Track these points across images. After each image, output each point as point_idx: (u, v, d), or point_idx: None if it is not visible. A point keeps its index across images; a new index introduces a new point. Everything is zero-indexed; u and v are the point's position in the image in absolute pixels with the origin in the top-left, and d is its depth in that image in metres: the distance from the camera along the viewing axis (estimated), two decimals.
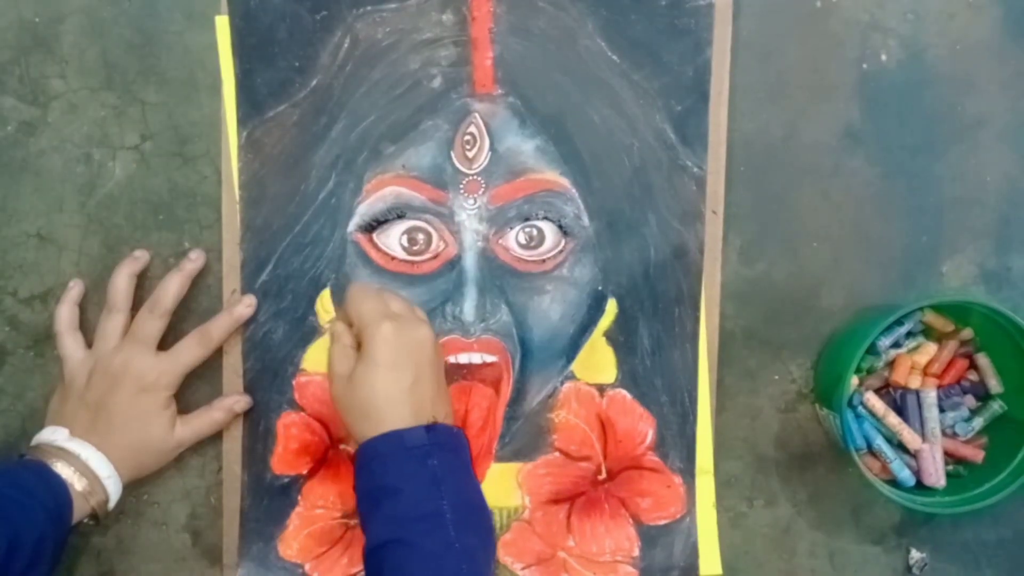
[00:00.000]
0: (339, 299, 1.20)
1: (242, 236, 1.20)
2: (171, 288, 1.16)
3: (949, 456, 1.22)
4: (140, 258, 1.19)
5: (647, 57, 1.19)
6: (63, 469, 1.08)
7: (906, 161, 1.24)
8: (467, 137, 1.18)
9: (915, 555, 1.25)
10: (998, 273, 1.25)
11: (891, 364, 1.22)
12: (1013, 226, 1.24)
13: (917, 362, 1.21)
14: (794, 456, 1.25)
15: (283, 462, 1.21)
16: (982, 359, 1.23)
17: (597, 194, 1.20)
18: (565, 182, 1.19)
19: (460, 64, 1.18)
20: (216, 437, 1.22)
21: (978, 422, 1.22)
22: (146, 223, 1.21)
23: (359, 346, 1.09)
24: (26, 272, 1.21)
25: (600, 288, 1.21)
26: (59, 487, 1.07)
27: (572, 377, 1.22)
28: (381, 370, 1.06)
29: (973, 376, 1.24)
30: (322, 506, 1.22)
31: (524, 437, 1.22)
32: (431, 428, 1.06)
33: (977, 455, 1.21)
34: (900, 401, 1.22)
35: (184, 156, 1.21)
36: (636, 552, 1.23)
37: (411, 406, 1.06)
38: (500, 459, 1.22)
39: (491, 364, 1.20)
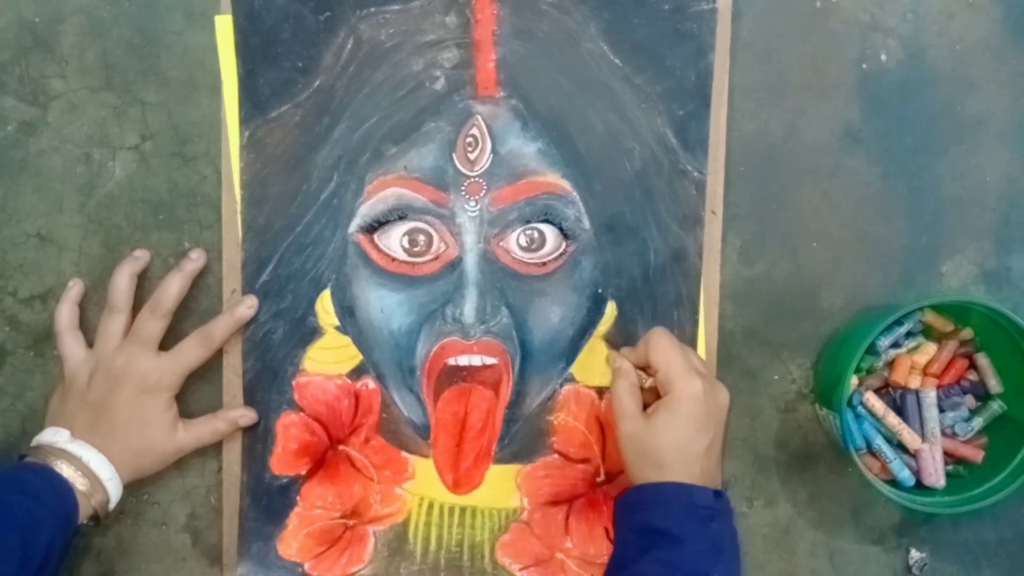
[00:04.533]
0: (340, 299, 1.20)
1: (243, 236, 1.20)
2: (172, 288, 1.16)
3: (949, 456, 1.22)
4: (140, 258, 1.19)
5: (649, 61, 1.19)
6: (65, 469, 1.08)
7: (906, 161, 1.24)
8: (469, 139, 1.18)
9: (915, 555, 1.25)
10: (998, 273, 1.25)
11: (891, 364, 1.22)
12: (1013, 226, 1.25)
13: (917, 362, 1.22)
14: (794, 456, 1.25)
15: (282, 462, 1.22)
16: (982, 359, 1.23)
17: (598, 197, 1.20)
18: (566, 185, 1.19)
19: (463, 66, 1.18)
20: None
21: (978, 422, 1.22)
22: (146, 223, 1.21)
23: (651, 392, 1.13)
24: (26, 272, 1.21)
25: (600, 291, 1.21)
26: (65, 491, 1.07)
27: (571, 380, 1.22)
28: (685, 425, 1.08)
29: (973, 376, 1.24)
30: (321, 506, 1.22)
31: (523, 439, 1.22)
32: (719, 494, 1.08)
33: (977, 455, 1.21)
34: (900, 401, 1.22)
35: (184, 156, 1.21)
36: None
37: (701, 467, 1.07)
38: (499, 461, 1.22)
39: (491, 366, 1.20)
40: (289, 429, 1.21)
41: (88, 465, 1.09)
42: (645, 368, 1.13)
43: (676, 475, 1.06)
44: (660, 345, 1.11)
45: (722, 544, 1.06)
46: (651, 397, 1.13)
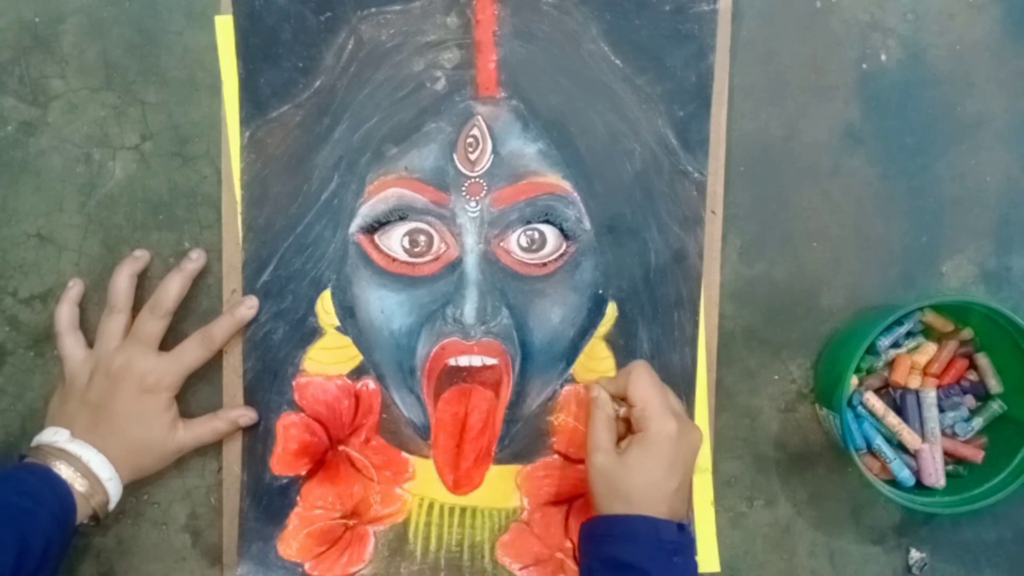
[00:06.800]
0: (341, 300, 1.20)
1: (244, 236, 1.20)
2: (172, 288, 1.16)
3: (949, 456, 1.22)
4: (140, 258, 1.18)
5: (650, 62, 1.19)
6: (64, 470, 1.08)
7: (906, 161, 1.24)
8: (470, 140, 1.18)
9: (915, 555, 1.25)
10: (998, 273, 1.25)
11: (891, 364, 1.22)
12: (1013, 226, 1.25)
13: (917, 362, 1.22)
14: (794, 456, 1.25)
15: (282, 463, 1.22)
16: (982, 359, 1.23)
17: (598, 198, 1.20)
18: (567, 186, 1.19)
19: (464, 67, 1.18)
20: None
21: (978, 422, 1.22)
22: (146, 223, 1.21)
23: (625, 422, 1.14)
24: (26, 272, 1.21)
25: (600, 292, 1.21)
26: (64, 491, 1.07)
27: (572, 380, 1.22)
28: (658, 465, 1.09)
29: (973, 376, 1.24)
30: (321, 507, 1.22)
31: (523, 439, 1.23)
32: (682, 527, 1.09)
33: (977, 455, 1.21)
34: (900, 401, 1.22)
35: (184, 156, 1.21)
36: None
37: (669, 504, 1.08)
38: (499, 461, 1.23)
39: (491, 367, 1.20)
40: (289, 429, 1.21)
41: (88, 465, 1.09)
42: (621, 398, 1.14)
43: (643, 511, 1.07)
44: (640, 381, 1.12)
45: None
46: (623, 427, 1.14)
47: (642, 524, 1.07)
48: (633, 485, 1.08)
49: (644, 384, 1.11)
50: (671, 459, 1.09)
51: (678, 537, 1.07)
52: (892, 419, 1.20)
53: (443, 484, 1.22)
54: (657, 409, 1.09)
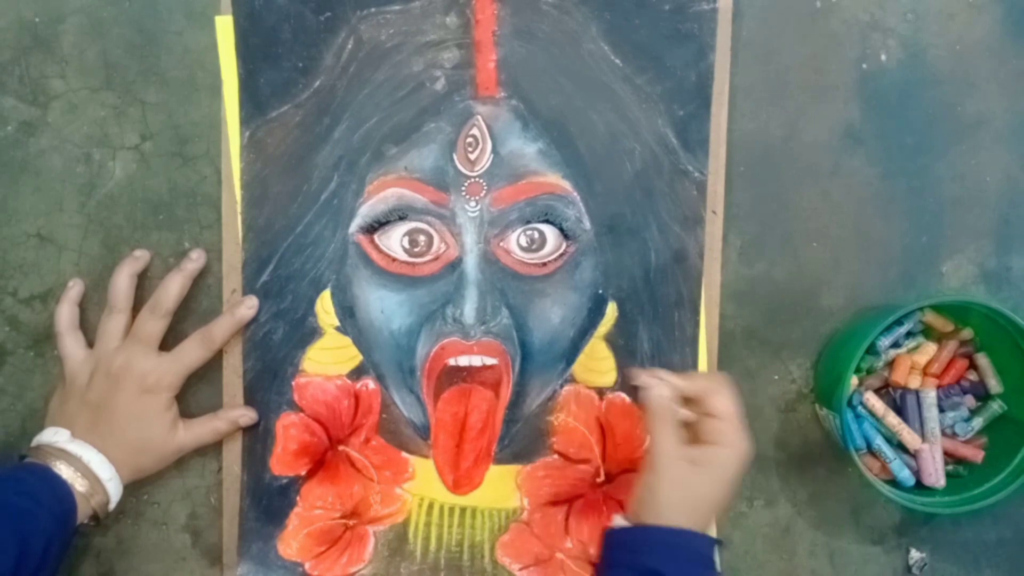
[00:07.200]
0: (340, 300, 1.20)
1: (243, 236, 1.20)
2: (172, 288, 1.16)
3: (949, 456, 1.22)
4: (140, 258, 1.19)
5: (650, 62, 1.19)
6: (64, 470, 1.08)
7: (906, 161, 1.24)
8: (469, 139, 1.18)
9: (915, 555, 1.25)
10: (998, 273, 1.25)
11: (891, 364, 1.22)
12: (1013, 226, 1.24)
13: (917, 362, 1.22)
14: (794, 456, 1.25)
15: (282, 463, 1.22)
16: (982, 359, 1.23)
17: (598, 198, 1.20)
18: (567, 185, 1.19)
19: (463, 67, 1.18)
20: None
21: (978, 422, 1.22)
22: (146, 223, 1.21)
23: (688, 428, 1.11)
24: (26, 272, 1.21)
25: (600, 291, 1.21)
26: (64, 492, 1.07)
27: (572, 380, 1.22)
28: (728, 482, 1.07)
29: (973, 376, 1.24)
30: (321, 507, 1.22)
31: (523, 439, 1.22)
32: (719, 543, 1.09)
33: (977, 455, 1.21)
34: (900, 401, 1.22)
35: (184, 156, 1.21)
36: None
37: (712, 521, 1.12)
38: (499, 461, 1.22)
39: (491, 367, 1.20)
40: (289, 429, 1.21)
41: (88, 465, 1.09)
42: (684, 399, 1.12)
43: (695, 525, 1.06)
44: (727, 395, 1.09)
45: None
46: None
47: (682, 537, 1.05)
48: (704, 499, 1.07)
49: (731, 398, 1.09)
50: (737, 478, 1.07)
51: (713, 553, 1.07)
52: (892, 419, 1.20)
53: (443, 484, 1.22)
54: (740, 426, 1.08)
